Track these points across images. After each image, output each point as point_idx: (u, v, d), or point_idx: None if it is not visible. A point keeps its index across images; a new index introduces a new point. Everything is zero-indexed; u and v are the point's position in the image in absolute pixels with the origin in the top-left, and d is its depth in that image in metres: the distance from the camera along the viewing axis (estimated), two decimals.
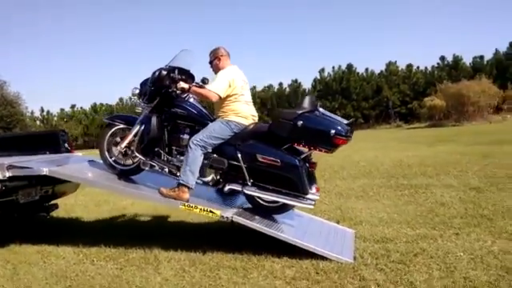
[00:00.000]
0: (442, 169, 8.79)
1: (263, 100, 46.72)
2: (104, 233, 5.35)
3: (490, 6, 66.97)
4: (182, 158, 4.43)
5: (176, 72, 4.48)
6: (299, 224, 4.52)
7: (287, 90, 46.76)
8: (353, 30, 75.03)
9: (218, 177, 4.42)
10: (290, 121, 4.00)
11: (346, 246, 4.12)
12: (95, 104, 51.03)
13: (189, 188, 4.24)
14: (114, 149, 4.81)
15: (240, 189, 4.29)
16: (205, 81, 4.64)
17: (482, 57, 41.85)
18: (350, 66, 44.84)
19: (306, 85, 46.64)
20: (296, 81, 46.36)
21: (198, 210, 4.14)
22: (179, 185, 4.26)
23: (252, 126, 4.33)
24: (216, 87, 4.24)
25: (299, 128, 3.97)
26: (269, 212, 4.44)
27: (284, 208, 4.41)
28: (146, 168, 4.62)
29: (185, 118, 4.50)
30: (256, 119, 4.47)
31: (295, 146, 4.20)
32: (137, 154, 4.60)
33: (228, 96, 4.28)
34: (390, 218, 5.19)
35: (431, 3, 72.97)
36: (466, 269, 3.43)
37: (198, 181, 4.36)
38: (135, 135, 4.63)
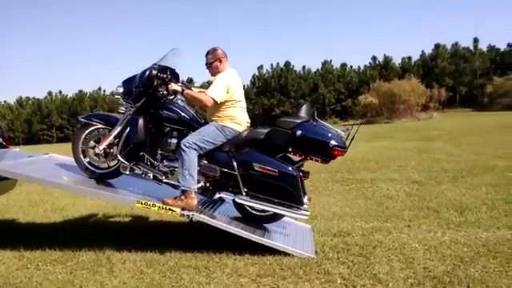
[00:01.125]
0: (383, 163, 9.19)
1: None
2: (46, 235, 4.97)
3: (416, 8, 71.29)
4: (167, 163, 4.22)
5: (168, 72, 4.27)
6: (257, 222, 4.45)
7: None
8: (292, 27, 76.48)
9: (208, 184, 4.19)
10: (288, 130, 3.92)
11: (307, 242, 4.12)
12: (21, 98, 47.78)
13: (194, 192, 4.03)
14: (90, 151, 4.43)
15: (231, 197, 4.11)
16: (191, 81, 4.38)
17: (410, 58, 44.58)
18: (287, 64, 45.68)
19: (245, 82, 46.92)
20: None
21: (156, 208, 3.95)
22: (183, 192, 4.01)
23: (246, 133, 4.16)
24: (213, 92, 4.00)
25: (298, 138, 3.88)
26: (259, 221, 4.27)
27: (275, 217, 4.27)
28: (126, 172, 4.28)
29: (174, 121, 4.22)
30: (249, 125, 4.29)
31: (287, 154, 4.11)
32: (120, 158, 4.24)
33: (225, 101, 4.08)
34: (343, 212, 5.30)
35: (362, 3, 76.16)
36: (423, 259, 3.56)
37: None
38: (116, 137, 4.27)
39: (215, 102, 4.00)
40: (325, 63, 46.37)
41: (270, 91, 44.12)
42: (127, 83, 4.33)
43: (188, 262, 3.75)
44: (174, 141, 4.20)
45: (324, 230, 4.53)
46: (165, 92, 4.15)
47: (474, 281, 3.08)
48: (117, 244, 4.19)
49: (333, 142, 3.83)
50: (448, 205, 5.30)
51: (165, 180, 4.23)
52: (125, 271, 3.63)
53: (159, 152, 4.27)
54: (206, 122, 4.22)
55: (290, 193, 3.94)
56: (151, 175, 4.25)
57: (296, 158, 4.07)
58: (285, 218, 4.82)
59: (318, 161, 3.95)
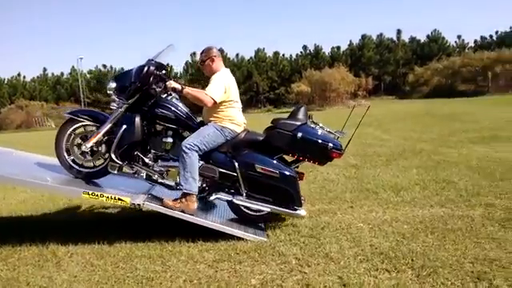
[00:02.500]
0: None
1: None
2: None
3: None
4: (162, 163, 4.10)
5: (164, 69, 4.13)
6: (210, 207, 4.46)
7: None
8: (224, 15, 75.94)
9: (205, 185, 4.13)
10: (289, 132, 3.98)
11: (258, 226, 4.20)
12: None
13: (195, 196, 3.96)
14: (75, 148, 4.18)
15: (229, 198, 4.08)
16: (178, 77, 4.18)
17: (338, 47, 46.20)
18: (221, 51, 45.31)
19: (178, 68, 45.98)
20: (167, 64, 45.31)
21: (104, 198, 3.80)
22: (184, 195, 3.92)
23: (243, 134, 4.15)
24: (213, 92, 3.96)
25: (298, 140, 3.95)
26: (253, 221, 4.23)
27: (268, 217, 4.27)
28: (114, 171, 4.10)
29: (170, 119, 4.08)
30: (245, 126, 4.26)
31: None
32: (113, 157, 4.03)
33: (223, 101, 4.03)
34: None
35: None
36: (369, 237, 3.78)
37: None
38: (104, 134, 4.07)
39: (214, 102, 3.96)
40: (258, 51, 46.73)
41: (204, 79, 43.66)
42: (120, 79, 4.16)
43: (141, 251, 3.68)
44: (170, 140, 4.10)
45: (272, 214, 4.63)
46: (162, 89, 4.02)
47: (416, 254, 3.34)
48: (61, 237, 4.00)
49: (331, 145, 3.95)
50: (385, 186, 5.65)
51: (160, 180, 4.12)
52: (73, 264, 3.49)
53: (153, 151, 4.14)
54: (202, 122, 4.18)
55: (289, 194, 4.00)
56: (144, 175, 4.11)
57: (289, 158, 4.15)
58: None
59: (315, 162, 4.08)
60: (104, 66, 46.78)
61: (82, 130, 4.25)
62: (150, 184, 4.33)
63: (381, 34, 45.45)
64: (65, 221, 5.05)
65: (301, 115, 4.10)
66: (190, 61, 45.73)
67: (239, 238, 3.83)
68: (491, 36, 44.74)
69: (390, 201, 4.93)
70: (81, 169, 4.23)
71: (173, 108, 4.10)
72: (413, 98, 36.23)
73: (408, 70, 42.05)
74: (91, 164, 4.25)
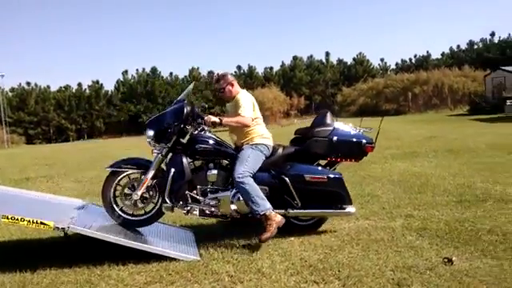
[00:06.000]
0: None
1: (59, 101, 42.71)
2: None
3: (276, 22, 76.31)
4: (212, 195, 4.19)
5: (199, 107, 4.36)
6: (140, 228, 4.36)
7: (87, 90, 43.83)
8: (158, 33, 75.20)
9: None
10: (325, 138, 4.24)
11: (190, 245, 4.18)
12: None
13: (272, 210, 4.06)
14: (124, 199, 4.19)
15: (283, 212, 4.17)
16: (204, 107, 4.46)
17: (271, 68, 47.47)
18: (154, 70, 44.87)
19: (109, 86, 44.72)
20: (97, 82, 43.91)
21: (25, 222, 3.59)
22: (265, 217, 4.03)
23: (281, 150, 4.35)
24: (246, 111, 4.17)
25: (335, 143, 4.22)
26: (302, 229, 4.38)
27: (319, 223, 4.47)
28: (169, 212, 4.20)
29: (210, 152, 4.20)
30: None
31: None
32: (168, 201, 4.09)
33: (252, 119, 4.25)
34: None
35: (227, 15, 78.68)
36: (299, 251, 3.91)
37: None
38: (152, 178, 4.12)
39: (251, 120, 4.19)
40: (192, 70, 46.73)
41: (136, 97, 42.77)
42: (156, 125, 4.20)
43: (67, 277, 3.52)
44: (214, 172, 4.20)
45: (206, 233, 4.64)
46: (201, 125, 4.22)
47: (342, 265, 3.50)
48: None
49: (364, 141, 4.29)
50: None
51: (216, 213, 4.21)
52: None
53: (198, 187, 4.20)
54: (237, 147, 4.32)
55: (339, 195, 4.23)
56: (197, 212, 4.17)
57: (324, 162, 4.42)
58: (166, 224, 4.82)
59: (351, 160, 4.38)
60: (28, 83, 44.20)
61: (126, 179, 4.23)
62: (75, 207, 4.17)
63: (311, 56, 47.52)
64: None
65: (328, 120, 4.37)
66: (122, 79, 44.71)
67: (171, 259, 3.78)
68: (410, 59, 48.53)
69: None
70: (133, 218, 4.24)
71: (210, 141, 4.22)
72: (342, 116, 37.89)
73: (336, 91, 44.11)
74: (142, 211, 4.27)
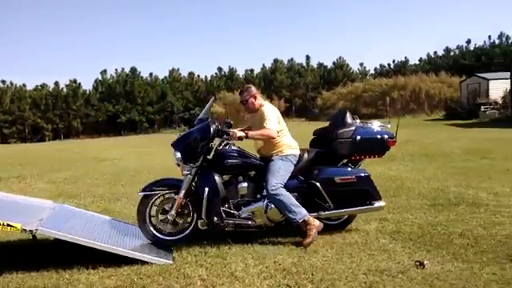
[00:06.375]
0: None
1: (36, 100, 41.80)
2: None
3: (257, 25, 76.46)
4: (245, 208, 4.26)
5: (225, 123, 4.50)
6: (111, 230, 4.28)
7: (64, 90, 43.02)
8: (137, 33, 74.46)
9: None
10: (349, 138, 4.33)
11: (164, 248, 4.11)
12: None
13: (309, 215, 4.17)
14: (156, 219, 4.27)
15: (315, 214, 4.25)
16: (230, 123, 4.54)
17: (252, 70, 47.50)
18: (133, 70, 44.35)
19: (87, 86, 43.99)
20: (75, 81, 43.14)
21: None
22: (304, 223, 4.14)
23: (307, 154, 4.42)
24: (272, 124, 4.24)
25: (358, 142, 4.32)
26: (331, 229, 4.42)
27: (348, 221, 4.55)
28: (203, 227, 4.22)
29: (238, 166, 4.27)
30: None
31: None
32: (205, 220, 4.17)
33: (278, 131, 4.31)
34: None
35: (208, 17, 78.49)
36: (274, 254, 3.88)
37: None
38: (185, 197, 4.19)
39: (276, 133, 4.25)
40: (172, 71, 46.37)
41: (115, 97, 42.17)
42: (182, 145, 4.23)
43: (34, 281, 3.42)
44: (245, 185, 4.27)
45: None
46: (227, 141, 4.29)
47: (316, 269, 3.50)
48: None
49: (386, 136, 4.43)
50: None
51: (255, 224, 4.26)
52: None
53: (230, 201, 4.27)
54: (264, 157, 4.36)
55: (368, 192, 4.34)
56: (233, 226, 4.25)
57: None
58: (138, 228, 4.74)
59: (375, 156, 4.52)
60: (3, 81, 43.01)
61: (160, 200, 4.30)
62: (46, 208, 4.05)
63: (291, 59, 47.68)
64: None
65: (349, 120, 4.48)
66: (100, 78, 44.07)
67: (144, 262, 3.71)
68: (389, 64, 49.22)
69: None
70: (169, 237, 4.26)
71: (237, 155, 4.29)
72: (321, 120, 38.17)
73: (316, 94, 44.40)
74: (176, 230, 4.30)
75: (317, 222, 4.16)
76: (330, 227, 4.45)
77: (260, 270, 3.54)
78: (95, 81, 44.01)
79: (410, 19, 75.26)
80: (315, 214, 4.27)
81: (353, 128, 4.43)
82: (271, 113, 4.33)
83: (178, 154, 4.18)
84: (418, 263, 3.50)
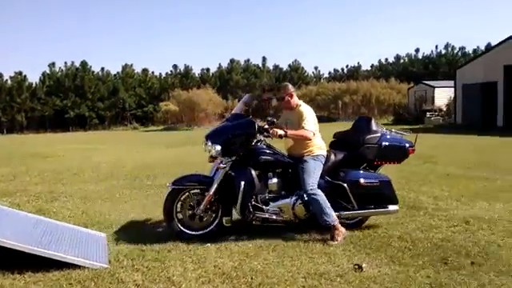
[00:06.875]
0: (181, 168, 9.38)
1: None
2: None
3: (212, 23, 76.06)
4: (273, 203, 4.37)
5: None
6: (44, 232, 4.03)
7: (9, 82, 40.75)
8: (89, 25, 71.90)
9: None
10: (375, 144, 4.55)
11: (100, 251, 3.91)
12: None
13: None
14: (187, 215, 4.36)
15: (336, 214, 4.34)
16: (273, 121, 4.47)
17: (208, 69, 47.12)
18: (84, 64, 42.67)
19: (33, 78, 41.86)
20: (20, 73, 40.93)
21: None
22: (333, 227, 4.22)
23: (333, 156, 4.57)
24: (311, 126, 4.37)
25: (383, 148, 4.55)
26: (348, 227, 4.46)
27: (362, 221, 4.70)
28: (228, 225, 4.36)
29: (270, 163, 4.40)
30: None
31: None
32: (239, 214, 4.34)
33: None
34: (140, 219, 5.23)
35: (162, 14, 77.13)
36: (214, 258, 3.80)
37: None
38: (215, 193, 4.30)
39: (313, 134, 4.37)
40: (125, 67, 45.08)
41: (64, 91, 40.41)
42: (221, 139, 4.29)
43: None
44: (275, 181, 4.40)
45: (120, 238, 4.39)
46: (266, 138, 4.42)
47: (256, 272, 3.44)
48: None
49: (407, 145, 4.66)
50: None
51: (282, 219, 4.38)
52: None
53: (260, 196, 4.36)
54: (291, 156, 4.48)
55: (387, 196, 4.52)
56: (260, 220, 4.36)
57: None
58: (77, 228, 4.52)
59: (394, 163, 4.72)
60: None
61: (187, 195, 4.38)
62: None
63: (248, 60, 47.72)
64: None
65: (374, 127, 4.68)
66: (48, 71, 42.15)
67: (76, 266, 3.51)
68: (342, 69, 50.43)
69: (241, 221, 5.04)
70: (195, 232, 4.34)
71: (270, 152, 4.44)
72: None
73: (273, 96, 44.68)
74: (202, 225, 4.37)
75: (343, 229, 4.26)
76: (347, 226, 4.56)
77: (199, 274, 3.44)
78: (42, 74, 41.99)
79: (365, 26, 77.53)
80: (337, 213, 4.40)
81: (378, 134, 4.64)
82: (309, 114, 4.47)
83: (218, 147, 4.25)
84: (356, 266, 3.53)
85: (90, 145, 17.82)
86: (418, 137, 4.89)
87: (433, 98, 29.62)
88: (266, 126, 4.39)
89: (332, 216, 4.26)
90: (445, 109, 28.05)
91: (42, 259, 3.46)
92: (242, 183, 4.22)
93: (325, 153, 4.55)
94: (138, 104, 42.74)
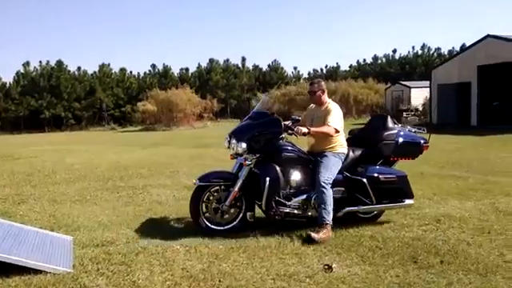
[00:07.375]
0: (156, 170, 9.29)
1: None
2: None
3: (193, 23, 75.56)
4: (296, 198, 4.45)
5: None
6: (6, 235, 3.87)
7: None
8: (65, 24, 70.53)
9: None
10: (392, 141, 4.66)
11: (64, 255, 3.78)
12: None
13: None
14: (213, 211, 4.47)
15: (356, 209, 4.58)
16: (297, 119, 4.71)
17: (187, 69, 46.79)
18: (60, 63, 41.79)
19: (7, 78, 40.79)
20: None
21: None
22: (326, 225, 4.25)
23: (352, 153, 4.66)
24: (336, 123, 4.44)
25: (400, 145, 4.66)
26: (364, 221, 4.69)
27: (380, 215, 4.87)
28: (251, 220, 4.48)
29: (293, 159, 4.49)
30: None
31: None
32: (264, 210, 4.40)
33: None
34: (109, 221, 5.10)
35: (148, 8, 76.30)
36: (183, 260, 3.72)
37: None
38: (239, 190, 4.40)
39: (336, 131, 4.42)
40: (103, 66, 44.33)
41: (39, 91, 39.49)
42: (247, 136, 4.39)
43: None
44: (296, 177, 4.48)
45: (86, 241, 4.26)
46: (291, 135, 4.47)
47: (224, 275, 3.38)
48: None
49: (422, 141, 4.79)
50: None
51: (304, 215, 4.46)
52: None
53: (282, 192, 4.41)
54: (312, 153, 4.59)
55: (404, 190, 4.65)
56: (282, 215, 4.38)
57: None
58: (42, 232, 4.37)
59: (408, 159, 4.84)
60: None
61: (215, 191, 4.50)
62: None
63: (227, 60, 47.55)
64: None
65: (390, 124, 4.78)
66: (22, 71, 41.14)
67: (37, 271, 3.38)
68: (322, 69, 50.74)
69: None
70: (219, 228, 4.45)
71: (292, 149, 4.52)
72: None
73: (251, 95, 44.63)
74: (225, 220, 4.48)
75: (331, 234, 4.28)
76: (363, 220, 4.74)
77: (165, 277, 3.36)
78: (16, 73, 40.94)
79: (344, 27, 78.17)
80: (355, 208, 4.58)
81: (395, 131, 4.75)
82: (337, 112, 4.54)
83: (244, 145, 4.35)
84: (326, 267, 3.50)
85: (65, 146, 17.43)
86: (430, 135, 4.98)
87: (409, 97, 30.06)
88: (291, 124, 4.53)
89: (330, 216, 4.32)
90: (421, 109, 28.49)
91: (1, 264, 3.31)
92: (268, 179, 4.29)
93: (346, 151, 4.64)
94: (115, 104, 42.07)
